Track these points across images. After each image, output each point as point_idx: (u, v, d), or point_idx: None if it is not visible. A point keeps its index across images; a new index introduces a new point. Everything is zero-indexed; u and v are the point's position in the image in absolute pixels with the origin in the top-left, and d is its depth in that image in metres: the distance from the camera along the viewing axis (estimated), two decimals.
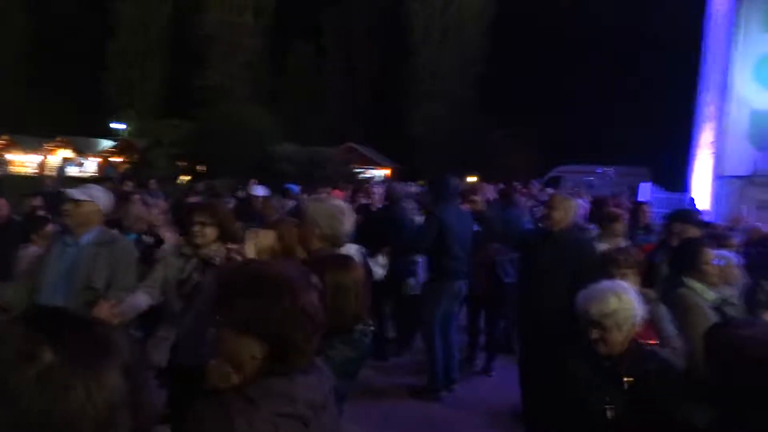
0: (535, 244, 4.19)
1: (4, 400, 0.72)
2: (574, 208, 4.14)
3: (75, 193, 3.23)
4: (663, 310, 3.02)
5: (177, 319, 3.08)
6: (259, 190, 7.41)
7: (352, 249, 3.47)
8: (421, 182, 19.39)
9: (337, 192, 7.44)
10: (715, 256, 3.26)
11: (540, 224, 6.21)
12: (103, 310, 2.88)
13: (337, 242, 2.80)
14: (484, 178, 24.90)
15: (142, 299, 3.16)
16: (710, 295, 3.14)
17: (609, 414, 2.19)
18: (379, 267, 4.09)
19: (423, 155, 31.31)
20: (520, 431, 4.25)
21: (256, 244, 2.89)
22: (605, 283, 2.40)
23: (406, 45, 31.68)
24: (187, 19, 32.94)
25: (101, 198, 3.29)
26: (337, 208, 2.82)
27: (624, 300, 2.25)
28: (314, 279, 1.42)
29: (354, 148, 29.28)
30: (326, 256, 2.47)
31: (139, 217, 5.02)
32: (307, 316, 1.31)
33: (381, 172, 29.88)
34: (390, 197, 6.56)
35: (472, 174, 26.33)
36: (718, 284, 3.29)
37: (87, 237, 3.24)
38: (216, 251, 3.12)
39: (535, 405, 4.10)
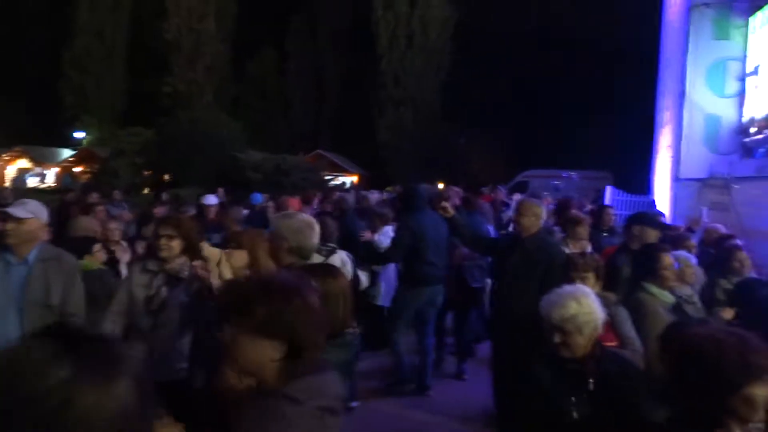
0: (506, 250, 4.27)
1: (27, 406, 0.82)
2: (543, 213, 4.22)
3: (17, 211, 3.12)
4: (623, 313, 3.12)
5: (145, 335, 3.07)
6: (212, 199, 7.22)
7: (342, 255, 3.50)
8: (389, 188, 19.47)
9: (293, 201, 7.27)
10: (674, 261, 3.39)
11: (506, 230, 6.42)
12: None
13: (306, 255, 2.84)
14: (450, 184, 25.16)
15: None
16: (668, 298, 3.27)
17: (575, 414, 2.25)
18: (364, 276, 4.19)
19: (390, 161, 31.44)
20: None
21: (231, 264, 2.88)
22: (566, 288, 2.46)
23: (372, 51, 31.83)
24: (147, 26, 32.37)
25: (42, 213, 3.22)
26: (304, 223, 2.88)
27: (584, 304, 2.31)
28: (314, 283, 1.55)
29: (322, 155, 29.19)
30: (313, 265, 2.56)
31: (87, 232, 4.63)
32: (316, 314, 1.44)
33: (350, 179, 29.86)
34: (340, 208, 6.66)
35: (438, 180, 26.59)
36: (677, 285, 3.43)
37: (33, 254, 3.15)
38: (182, 265, 3.13)
39: (507, 408, 4.17)
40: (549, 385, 2.32)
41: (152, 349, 2.98)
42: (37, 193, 17.90)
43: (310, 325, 1.41)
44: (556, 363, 2.35)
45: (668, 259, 3.33)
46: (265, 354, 1.36)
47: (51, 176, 32.39)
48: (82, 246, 4.18)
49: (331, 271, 2.27)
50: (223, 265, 2.85)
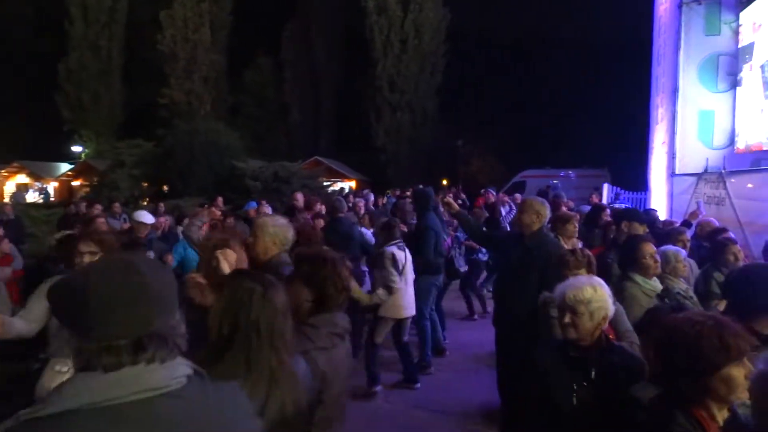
0: (508, 246, 4.38)
1: (248, 309, 1.67)
2: (544, 211, 4.26)
3: None
4: (619, 308, 3.18)
5: None
6: (146, 217, 6.49)
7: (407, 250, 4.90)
8: (389, 192, 19.56)
9: (212, 209, 7.16)
10: (654, 251, 3.45)
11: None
12: None
13: (286, 247, 3.37)
14: (449, 185, 25.25)
15: (19, 325, 3.09)
16: (653, 286, 3.33)
17: (574, 401, 2.31)
18: None
19: (389, 166, 31.51)
20: (493, 430, 4.36)
21: (228, 261, 3.03)
22: (583, 277, 2.58)
23: (367, 57, 31.94)
24: (143, 38, 32.49)
25: None
26: (282, 222, 3.43)
27: (599, 292, 2.39)
28: (343, 259, 2.36)
29: (320, 161, 29.23)
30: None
31: None
32: (339, 278, 2.22)
33: (348, 184, 29.92)
34: (333, 209, 7.18)
35: (440, 179, 26.77)
36: (671, 279, 3.48)
37: None
38: None
39: (511, 402, 4.21)
40: (551, 371, 2.38)
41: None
42: (36, 208, 17.95)
43: (332, 285, 2.17)
44: (559, 351, 2.41)
45: (649, 248, 3.40)
46: (303, 296, 2.13)
47: (50, 190, 32.46)
48: None
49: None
50: (222, 263, 2.93)
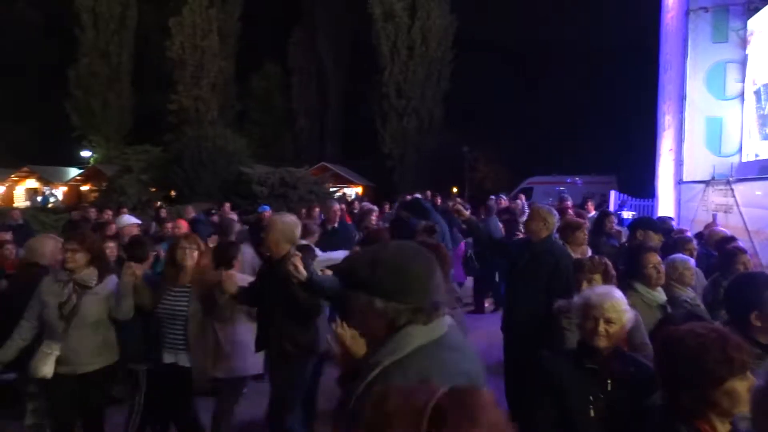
0: (516, 253, 4.38)
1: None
2: (551, 219, 4.26)
3: None
4: (638, 317, 3.14)
5: (59, 335, 3.47)
6: (132, 219, 6.76)
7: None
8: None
9: (181, 221, 7.13)
10: (659, 261, 3.42)
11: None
12: None
13: (295, 243, 3.55)
14: (456, 192, 25.28)
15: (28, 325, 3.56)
16: (655, 296, 3.31)
17: (592, 413, 2.27)
18: None
19: (395, 172, 31.55)
20: None
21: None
22: (605, 286, 2.58)
23: (374, 63, 32.04)
24: (152, 45, 32.77)
25: None
26: (293, 220, 3.64)
27: (625, 301, 2.41)
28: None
29: (327, 167, 29.30)
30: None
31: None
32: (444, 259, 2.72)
33: (355, 190, 29.98)
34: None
35: (449, 186, 26.79)
36: (677, 286, 3.46)
37: None
38: (90, 275, 3.52)
39: (519, 407, 4.20)
40: (567, 384, 2.34)
41: (66, 347, 3.47)
42: (45, 212, 18.09)
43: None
44: (573, 361, 2.39)
45: (654, 258, 3.37)
46: None
47: (58, 195, 32.71)
48: None
49: None
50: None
